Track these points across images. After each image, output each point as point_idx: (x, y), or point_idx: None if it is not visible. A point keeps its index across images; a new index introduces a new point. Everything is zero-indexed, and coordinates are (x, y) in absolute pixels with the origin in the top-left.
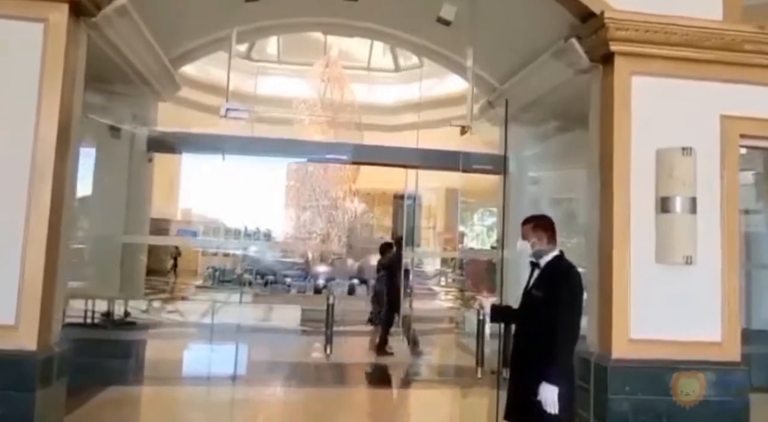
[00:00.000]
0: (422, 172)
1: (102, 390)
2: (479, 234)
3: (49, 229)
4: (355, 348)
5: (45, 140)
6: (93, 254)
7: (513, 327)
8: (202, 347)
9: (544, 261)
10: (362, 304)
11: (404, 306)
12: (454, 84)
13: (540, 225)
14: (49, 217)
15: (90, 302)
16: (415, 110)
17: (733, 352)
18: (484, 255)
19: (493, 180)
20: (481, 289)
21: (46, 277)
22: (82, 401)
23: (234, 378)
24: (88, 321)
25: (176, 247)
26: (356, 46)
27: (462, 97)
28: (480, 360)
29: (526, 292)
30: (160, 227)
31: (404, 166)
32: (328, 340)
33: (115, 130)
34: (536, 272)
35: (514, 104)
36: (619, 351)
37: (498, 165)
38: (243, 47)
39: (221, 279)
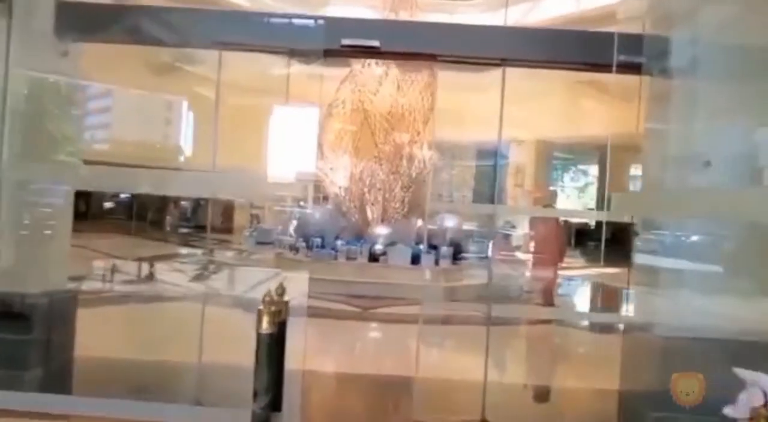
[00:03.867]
0: (508, 120)
1: None
2: (569, 196)
3: None
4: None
5: None
6: None
7: None
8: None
9: None
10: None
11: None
12: (553, 7)
13: None
14: None
15: None
16: None
17: None
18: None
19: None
20: (552, 263)
21: None
22: None
23: None
24: None
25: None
26: None
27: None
28: None
29: None
30: None
31: (489, 63)
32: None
33: None
34: None
35: None
36: None
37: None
38: None
39: (258, 240)
